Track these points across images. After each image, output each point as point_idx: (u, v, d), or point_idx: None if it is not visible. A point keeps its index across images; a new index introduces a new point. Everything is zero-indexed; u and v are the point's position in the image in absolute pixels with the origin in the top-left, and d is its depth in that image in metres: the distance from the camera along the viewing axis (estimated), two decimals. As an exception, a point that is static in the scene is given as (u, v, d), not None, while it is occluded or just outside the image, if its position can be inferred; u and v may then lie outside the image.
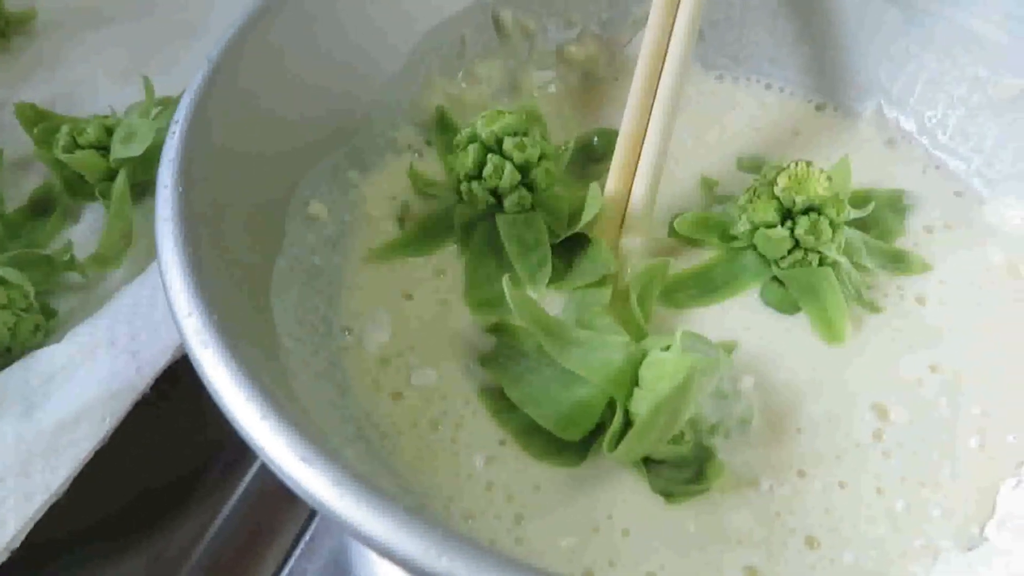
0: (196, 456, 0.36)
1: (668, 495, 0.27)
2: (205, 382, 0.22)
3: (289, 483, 0.20)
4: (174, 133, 0.27)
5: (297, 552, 0.34)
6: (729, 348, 0.31)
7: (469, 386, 0.30)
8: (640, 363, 0.28)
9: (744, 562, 0.27)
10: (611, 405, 0.28)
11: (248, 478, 0.36)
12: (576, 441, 0.28)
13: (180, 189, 0.26)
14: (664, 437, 0.26)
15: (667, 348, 0.27)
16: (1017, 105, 0.36)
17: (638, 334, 0.30)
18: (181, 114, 0.28)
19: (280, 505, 0.35)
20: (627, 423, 0.27)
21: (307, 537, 0.35)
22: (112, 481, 0.33)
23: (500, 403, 0.30)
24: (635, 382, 0.27)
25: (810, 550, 0.27)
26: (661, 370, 0.26)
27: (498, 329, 0.32)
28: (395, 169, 0.37)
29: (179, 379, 0.34)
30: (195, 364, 0.22)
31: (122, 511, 0.35)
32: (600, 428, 0.28)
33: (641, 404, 0.27)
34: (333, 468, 0.20)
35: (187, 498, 0.35)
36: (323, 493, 0.19)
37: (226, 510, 0.35)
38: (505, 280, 0.28)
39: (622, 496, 0.28)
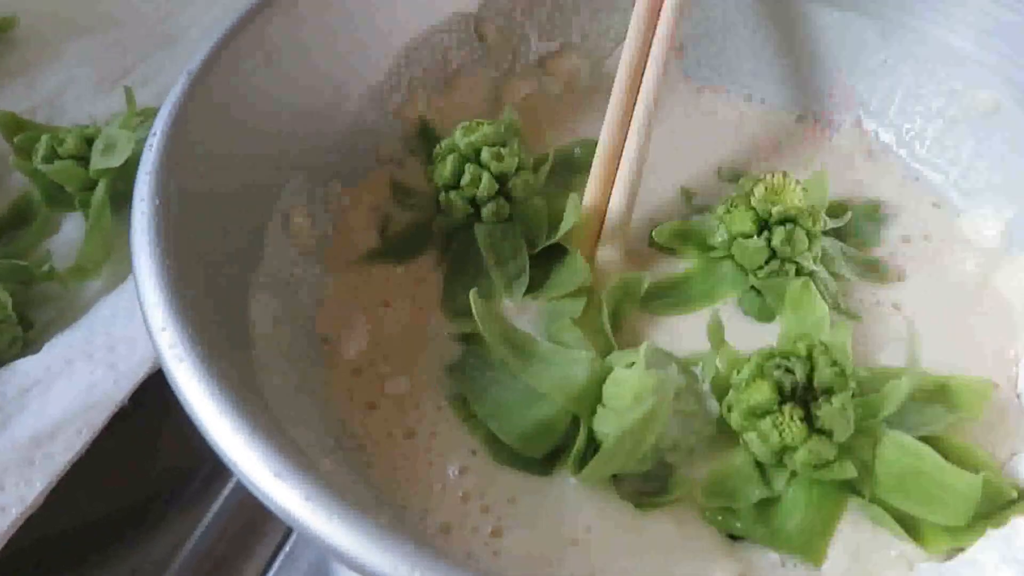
0: (175, 468, 0.36)
1: (637, 504, 0.27)
2: (178, 396, 0.22)
3: (261, 497, 0.20)
4: (151, 146, 0.27)
5: (276, 564, 0.34)
6: (692, 363, 0.31)
7: (441, 394, 0.30)
8: (604, 379, 0.28)
9: (727, 573, 0.27)
10: (575, 421, 0.28)
11: (227, 490, 0.36)
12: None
13: (157, 202, 0.26)
14: (629, 461, 0.27)
15: (631, 365, 0.27)
16: (992, 118, 0.37)
17: (605, 348, 0.30)
18: (159, 126, 0.28)
19: (259, 517, 0.35)
20: (590, 439, 0.27)
21: (287, 549, 0.35)
22: (89, 494, 0.33)
23: (468, 410, 0.30)
24: (599, 399, 0.27)
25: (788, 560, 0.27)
26: (623, 388, 0.26)
27: (468, 338, 0.32)
28: (377, 180, 0.37)
29: (157, 391, 0.34)
30: (168, 378, 0.22)
31: (99, 523, 0.35)
32: (566, 441, 0.28)
33: (605, 423, 0.27)
34: (305, 482, 0.20)
35: (165, 510, 0.35)
36: (294, 508, 0.19)
37: (205, 522, 0.35)
38: (472, 293, 0.28)
39: (599, 507, 0.27)
